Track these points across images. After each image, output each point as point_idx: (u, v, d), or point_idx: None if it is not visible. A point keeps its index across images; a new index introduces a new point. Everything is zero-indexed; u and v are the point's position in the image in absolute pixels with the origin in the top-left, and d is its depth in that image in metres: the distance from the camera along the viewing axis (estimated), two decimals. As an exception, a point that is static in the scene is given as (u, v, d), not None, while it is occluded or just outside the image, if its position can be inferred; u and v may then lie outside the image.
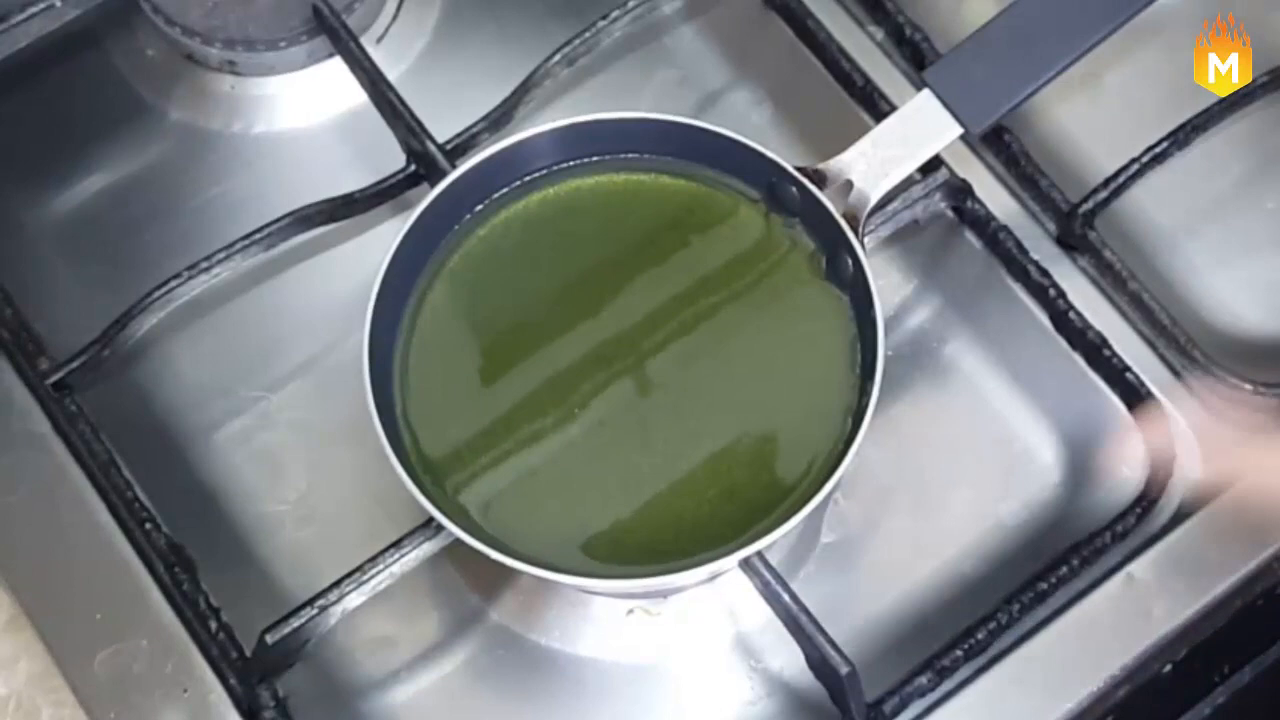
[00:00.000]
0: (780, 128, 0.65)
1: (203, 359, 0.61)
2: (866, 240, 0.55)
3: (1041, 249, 0.60)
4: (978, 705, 0.54)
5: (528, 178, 0.55)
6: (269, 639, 0.52)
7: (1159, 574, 0.55)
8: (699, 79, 0.66)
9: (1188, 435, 0.58)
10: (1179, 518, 0.57)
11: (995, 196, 0.62)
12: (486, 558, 0.48)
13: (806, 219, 0.55)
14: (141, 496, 0.57)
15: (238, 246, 0.60)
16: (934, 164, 0.59)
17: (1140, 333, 0.60)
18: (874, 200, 0.55)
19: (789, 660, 0.55)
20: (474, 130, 0.62)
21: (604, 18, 0.64)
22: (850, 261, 0.52)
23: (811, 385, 0.52)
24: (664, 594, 0.57)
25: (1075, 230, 0.60)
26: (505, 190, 0.55)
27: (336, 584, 0.52)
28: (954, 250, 0.62)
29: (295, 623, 0.52)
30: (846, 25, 0.65)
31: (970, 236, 0.61)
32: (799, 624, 0.51)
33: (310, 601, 0.52)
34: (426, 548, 0.52)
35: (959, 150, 0.60)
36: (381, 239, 0.62)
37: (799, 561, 0.57)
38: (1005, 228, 0.60)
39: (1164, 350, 0.59)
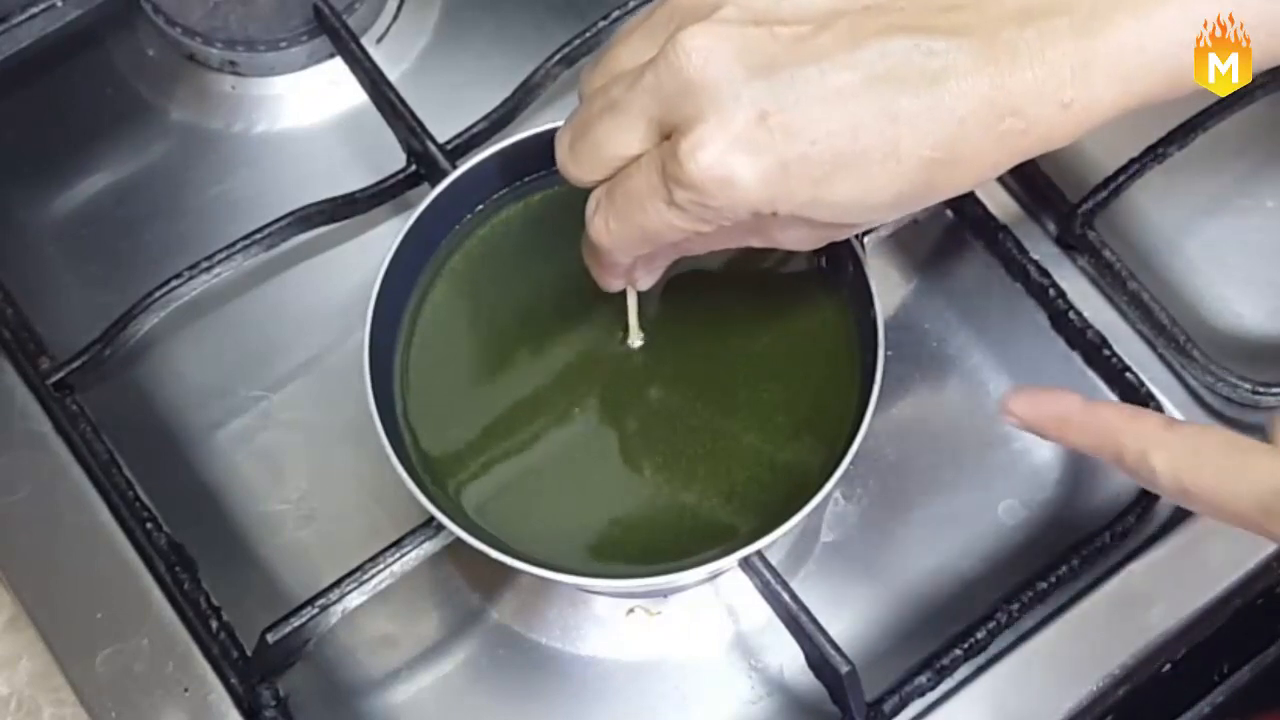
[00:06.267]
0: (780, 128, 0.65)
1: (204, 358, 0.62)
2: (866, 240, 0.55)
3: (1041, 249, 0.60)
4: (977, 704, 0.54)
5: (528, 178, 0.55)
6: (270, 638, 0.52)
7: (1158, 573, 0.55)
8: (699, 79, 0.66)
9: (1187, 435, 0.58)
10: (1178, 517, 0.57)
11: (995, 196, 0.62)
12: (487, 557, 0.48)
13: (806, 219, 0.55)
14: (142, 496, 0.57)
15: (239, 246, 0.60)
16: (934, 164, 0.59)
17: (1140, 332, 0.60)
18: (874, 200, 0.55)
19: (789, 659, 0.55)
20: (474, 130, 0.62)
21: (604, 18, 0.64)
22: (850, 261, 0.52)
23: (811, 385, 0.52)
24: (664, 594, 0.57)
25: (1075, 230, 0.60)
26: (505, 190, 0.55)
27: (337, 583, 0.52)
28: (954, 250, 0.62)
29: (296, 622, 0.52)
30: (846, 25, 0.65)
31: (970, 236, 0.61)
32: (799, 623, 0.52)
33: (311, 601, 0.52)
34: (427, 547, 0.52)
35: (959, 150, 0.60)
36: (382, 239, 0.62)
37: (799, 561, 0.57)
38: (1005, 228, 0.60)
39: (1163, 350, 0.59)
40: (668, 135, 0.42)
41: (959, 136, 0.41)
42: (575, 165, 0.45)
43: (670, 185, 0.42)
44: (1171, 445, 0.42)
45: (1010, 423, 0.46)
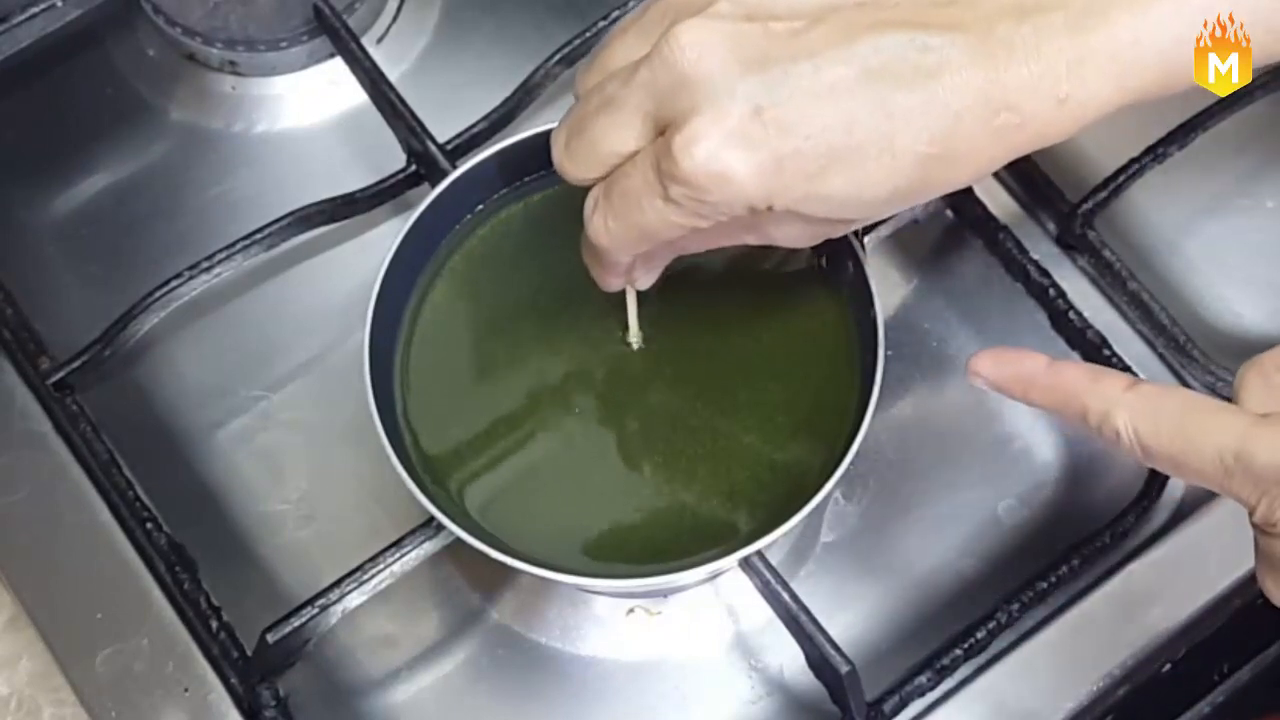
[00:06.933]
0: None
1: (204, 358, 0.62)
2: (866, 240, 0.55)
3: (1041, 249, 0.61)
4: (977, 704, 0.54)
5: (528, 178, 0.55)
6: (270, 638, 0.52)
7: (1158, 573, 0.55)
8: (699, 79, 0.66)
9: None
10: (1179, 517, 0.57)
11: (995, 196, 0.62)
12: (487, 557, 0.48)
13: (806, 219, 0.54)
14: (142, 496, 0.57)
15: (239, 246, 0.60)
16: (934, 164, 0.59)
17: (1140, 332, 0.60)
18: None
19: (789, 660, 0.55)
20: (474, 130, 0.62)
21: (604, 18, 0.64)
22: (850, 261, 0.52)
23: (811, 385, 0.52)
24: (664, 594, 0.57)
25: (1075, 230, 0.60)
26: (505, 190, 0.55)
27: (337, 583, 0.52)
28: (954, 250, 0.62)
29: (296, 622, 0.52)
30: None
31: (970, 236, 0.61)
32: (799, 623, 0.52)
33: (311, 601, 0.52)
34: (427, 547, 0.52)
35: (959, 150, 0.60)
36: (382, 239, 0.62)
37: (799, 561, 0.57)
38: (1005, 228, 0.60)
39: (1163, 350, 0.59)
40: (663, 131, 0.42)
41: (954, 131, 0.41)
42: (572, 163, 0.45)
43: (665, 181, 0.42)
44: (1133, 405, 0.42)
45: (976, 383, 0.46)
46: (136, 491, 0.57)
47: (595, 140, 0.43)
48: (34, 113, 0.67)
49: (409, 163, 0.63)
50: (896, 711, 0.54)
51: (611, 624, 0.57)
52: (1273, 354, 0.43)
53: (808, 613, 0.52)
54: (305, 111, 0.66)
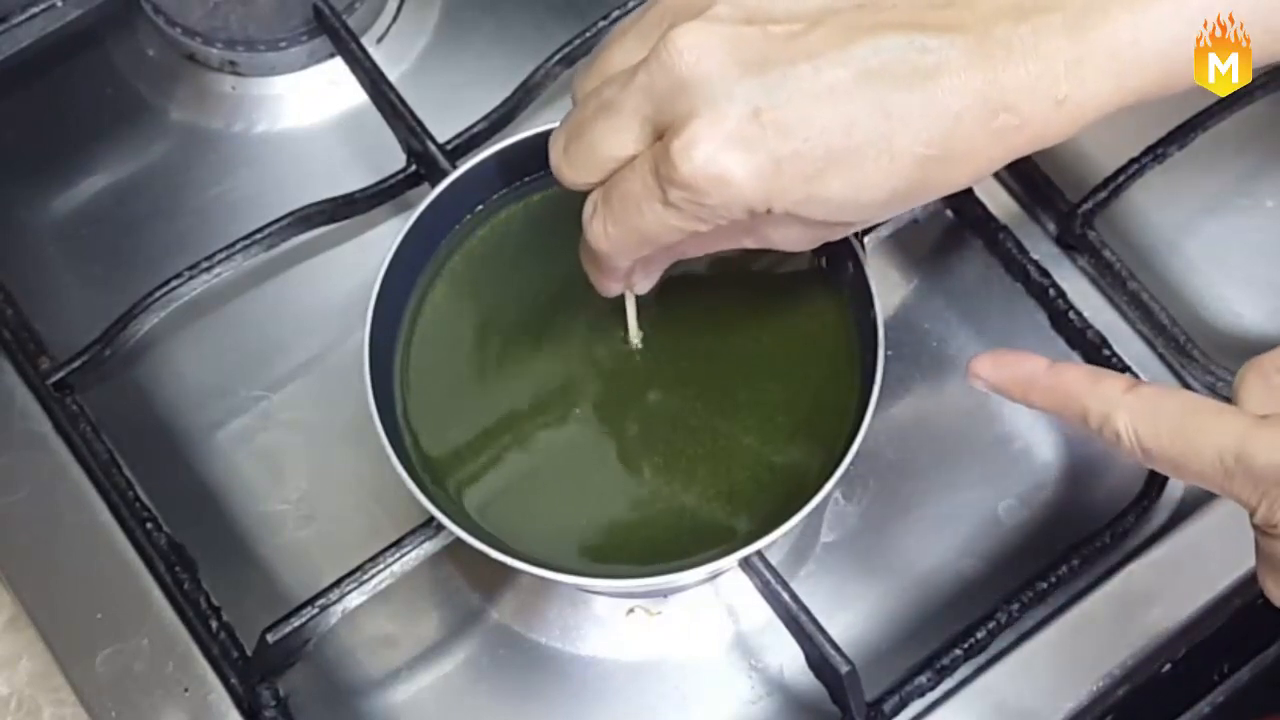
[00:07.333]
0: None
1: (204, 358, 0.62)
2: (866, 240, 0.55)
3: (1041, 249, 0.61)
4: (977, 704, 0.54)
5: (528, 178, 0.55)
6: (270, 638, 0.52)
7: (1158, 573, 0.55)
8: (699, 79, 0.66)
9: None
10: (1179, 517, 0.57)
11: (995, 196, 0.62)
12: (487, 557, 0.48)
13: (806, 219, 0.54)
14: (142, 496, 0.57)
15: (238, 246, 0.60)
16: (934, 164, 0.59)
17: (1140, 332, 0.60)
18: (874, 200, 0.55)
19: (789, 660, 0.55)
20: (474, 130, 0.63)
21: (604, 18, 0.64)
22: (850, 261, 0.52)
23: (811, 385, 0.52)
24: (664, 594, 0.57)
25: (1075, 230, 0.60)
26: (505, 190, 0.55)
27: (337, 583, 0.52)
28: (954, 250, 0.62)
29: (296, 622, 0.52)
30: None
31: (970, 236, 0.61)
32: (799, 623, 0.52)
33: (311, 601, 0.52)
34: (427, 547, 0.52)
35: (959, 150, 0.60)
36: (382, 239, 0.62)
37: (799, 561, 0.57)
38: (1005, 228, 0.60)
39: (1163, 350, 0.59)
40: (661, 135, 0.42)
41: (953, 133, 0.41)
42: (570, 168, 0.45)
43: (664, 185, 0.42)
44: (1133, 406, 0.42)
45: (976, 385, 0.46)
46: (136, 491, 0.57)
47: (593, 145, 0.43)
48: (34, 113, 0.67)
49: (409, 163, 0.63)
50: (896, 711, 0.54)
51: (611, 624, 0.57)
52: (1272, 355, 0.43)
53: (808, 613, 0.52)
54: (305, 111, 0.66)
